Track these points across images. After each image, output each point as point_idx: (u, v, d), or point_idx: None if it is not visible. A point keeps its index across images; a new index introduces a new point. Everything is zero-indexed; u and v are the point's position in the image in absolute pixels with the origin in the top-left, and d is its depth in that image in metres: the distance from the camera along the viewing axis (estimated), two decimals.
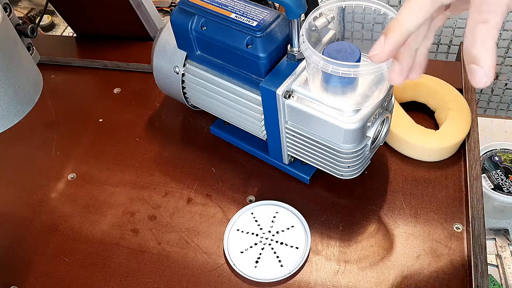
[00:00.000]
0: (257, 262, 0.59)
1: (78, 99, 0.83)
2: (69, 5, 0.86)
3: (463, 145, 0.67)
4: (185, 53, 0.64)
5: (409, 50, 0.40)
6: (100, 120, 0.78)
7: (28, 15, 1.35)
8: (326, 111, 0.53)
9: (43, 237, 0.65)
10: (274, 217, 0.62)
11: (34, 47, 0.62)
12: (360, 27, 1.19)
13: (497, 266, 0.79)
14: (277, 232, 0.61)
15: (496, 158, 0.84)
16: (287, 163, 0.66)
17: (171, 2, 1.19)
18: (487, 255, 0.58)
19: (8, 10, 0.56)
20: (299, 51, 0.56)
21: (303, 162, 0.65)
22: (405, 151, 0.67)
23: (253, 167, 0.69)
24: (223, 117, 0.68)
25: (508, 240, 0.81)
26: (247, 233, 0.61)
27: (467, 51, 0.35)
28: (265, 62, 0.56)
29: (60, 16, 0.94)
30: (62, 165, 0.73)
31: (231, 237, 0.61)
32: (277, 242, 0.60)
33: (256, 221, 0.62)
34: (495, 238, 0.82)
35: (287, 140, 0.61)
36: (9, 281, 0.61)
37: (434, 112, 0.71)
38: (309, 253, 0.59)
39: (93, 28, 0.91)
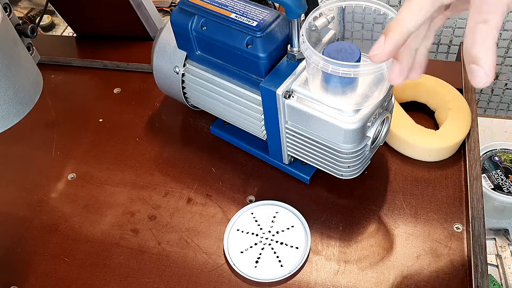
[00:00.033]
0: (257, 262, 0.59)
1: (78, 99, 0.83)
2: (69, 5, 0.86)
3: (463, 145, 0.67)
4: (185, 53, 0.64)
5: (409, 50, 0.40)
6: (100, 120, 0.78)
7: (28, 15, 1.35)
8: (326, 111, 0.53)
9: (43, 237, 0.65)
10: (274, 217, 0.62)
11: (34, 47, 0.62)
12: (360, 27, 1.19)
13: (497, 266, 0.79)
14: (277, 232, 0.61)
15: (496, 158, 0.84)
16: (287, 163, 0.66)
17: (171, 2, 1.19)
18: (487, 255, 0.58)
19: (8, 10, 0.56)
20: (299, 51, 0.56)
21: (303, 162, 0.65)
22: (405, 151, 0.67)
23: (253, 167, 0.69)
24: (223, 117, 0.68)
25: (508, 240, 0.81)
26: (247, 233, 0.61)
27: (467, 51, 0.35)
28: (265, 62, 0.56)
29: (60, 16, 0.94)
30: (62, 165, 0.73)
31: (231, 237, 0.61)
32: (277, 242, 0.60)
33: (256, 221, 0.62)
34: (495, 238, 0.82)
35: (287, 140, 0.61)
36: (9, 281, 0.61)
37: (434, 112, 0.71)
38: (309, 253, 0.59)
39: (93, 28, 0.91)
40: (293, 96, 0.55)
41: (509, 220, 0.84)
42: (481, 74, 0.34)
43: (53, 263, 0.62)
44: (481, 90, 1.29)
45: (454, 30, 1.16)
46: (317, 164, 0.61)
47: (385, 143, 0.68)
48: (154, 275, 0.60)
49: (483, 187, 0.69)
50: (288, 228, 0.61)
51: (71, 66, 0.88)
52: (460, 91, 0.70)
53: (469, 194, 0.61)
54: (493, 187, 0.80)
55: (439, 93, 0.69)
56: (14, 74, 0.51)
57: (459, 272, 0.57)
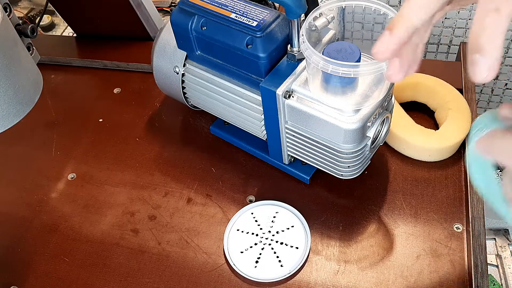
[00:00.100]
0: (257, 262, 0.59)
1: (78, 99, 0.83)
2: (69, 5, 0.86)
3: (463, 145, 0.67)
4: (185, 53, 0.64)
5: (411, 45, 0.39)
6: (100, 120, 0.78)
7: (28, 15, 1.35)
8: (326, 111, 0.53)
9: (43, 237, 0.65)
10: (274, 217, 0.62)
11: (34, 47, 0.62)
12: (360, 27, 1.19)
13: (497, 266, 0.79)
14: (277, 232, 0.61)
15: None
16: (287, 163, 0.66)
17: (171, 2, 1.19)
18: (487, 255, 0.58)
19: (8, 10, 0.56)
20: (299, 51, 0.56)
21: (303, 162, 0.65)
22: (405, 151, 0.67)
23: (253, 167, 0.69)
24: (223, 117, 0.68)
25: (508, 240, 0.81)
26: (247, 233, 0.61)
27: (473, 39, 0.32)
28: (265, 62, 0.56)
29: (60, 16, 0.94)
30: (62, 165, 0.73)
31: (231, 237, 0.61)
32: (277, 242, 0.60)
33: (256, 221, 0.62)
34: (495, 238, 0.82)
35: (287, 140, 0.61)
36: (9, 281, 0.61)
37: (434, 112, 0.71)
38: (309, 253, 0.59)
39: (93, 28, 0.91)
40: (293, 96, 0.55)
41: None
42: (484, 67, 0.31)
43: (53, 263, 0.62)
44: (481, 90, 1.29)
45: (454, 30, 1.16)
46: (317, 164, 0.61)
47: (385, 143, 0.68)
48: (154, 275, 0.60)
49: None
50: (288, 228, 0.61)
51: (71, 66, 0.88)
52: (460, 91, 0.70)
53: (469, 194, 0.61)
54: None
55: (439, 93, 0.69)
56: (14, 74, 0.51)
57: (459, 272, 0.57)
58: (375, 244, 0.60)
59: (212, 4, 0.58)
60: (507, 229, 0.83)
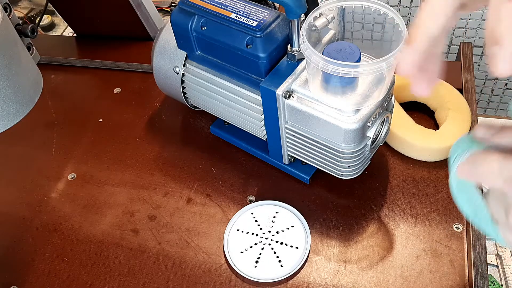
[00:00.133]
0: (257, 262, 0.59)
1: (78, 99, 0.83)
2: (69, 5, 0.86)
3: None
4: (185, 53, 0.64)
5: (431, 56, 0.37)
6: (100, 120, 0.78)
7: (28, 15, 1.35)
8: (326, 111, 0.53)
9: (43, 237, 0.65)
10: (274, 217, 0.62)
11: (34, 47, 0.62)
12: (360, 27, 1.19)
13: (497, 266, 0.79)
14: (277, 232, 0.61)
15: None
16: (287, 163, 0.66)
17: (171, 2, 1.19)
18: (487, 255, 0.58)
19: (8, 10, 0.56)
20: (299, 51, 0.56)
21: (303, 162, 0.65)
22: (405, 151, 0.67)
23: (253, 167, 0.69)
24: (223, 117, 0.68)
25: None
26: (247, 233, 0.61)
27: (490, 31, 0.30)
28: (265, 62, 0.56)
29: (60, 16, 0.94)
30: (62, 165, 0.73)
31: (231, 237, 0.61)
32: (277, 242, 0.60)
33: (256, 221, 0.62)
34: None
35: (287, 140, 0.61)
36: (9, 281, 0.61)
37: (434, 112, 0.71)
38: (309, 253, 0.59)
39: (93, 28, 0.91)
40: (293, 96, 0.55)
41: None
42: (505, 59, 0.29)
43: (53, 263, 0.62)
44: (481, 90, 1.29)
45: (454, 30, 1.16)
46: (317, 164, 0.61)
47: (385, 143, 0.68)
48: (154, 275, 0.60)
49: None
50: (288, 228, 0.61)
51: (71, 66, 0.88)
52: (460, 91, 0.70)
53: None
54: None
55: (439, 93, 0.69)
56: (14, 74, 0.51)
57: (459, 272, 0.57)
58: (375, 244, 0.60)
59: (212, 4, 0.58)
60: None
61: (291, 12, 0.51)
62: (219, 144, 0.72)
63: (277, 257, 0.59)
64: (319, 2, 0.56)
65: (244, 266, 0.59)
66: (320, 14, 0.52)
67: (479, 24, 1.19)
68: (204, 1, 0.59)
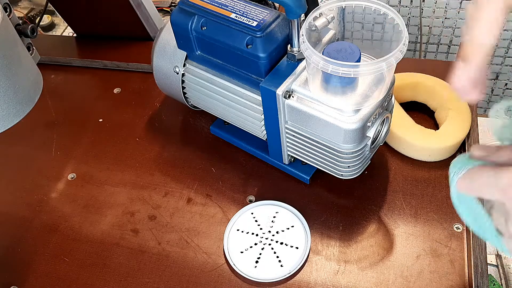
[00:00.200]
0: (257, 262, 0.59)
1: (78, 99, 0.83)
2: (69, 5, 0.86)
3: (463, 145, 0.67)
4: (185, 53, 0.64)
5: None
6: (100, 120, 0.78)
7: (28, 15, 1.35)
8: (326, 111, 0.53)
9: (43, 237, 0.65)
10: (274, 217, 0.62)
11: (34, 47, 0.62)
12: (360, 27, 1.19)
13: (497, 266, 0.79)
14: (277, 232, 0.61)
15: None
16: (287, 163, 0.66)
17: (171, 2, 1.19)
18: (487, 255, 0.58)
19: (8, 10, 0.56)
20: (299, 51, 0.56)
21: (303, 162, 0.65)
22: (405, 151, 0.67)
23: (253, 167, 0.69)
24: (223, 117, 0.68)
25: None
26: (247, 233, 0.61)
27: None
28: (265, 62, 0.56)
29: (60, 16, 0.94)
30: (62, 165, 0.73)
31: (231, 237, 0.61)
32: (277, 242, 0.60)
33: (256, 221, 0.62)
34: None
35: (287, 140, 0.61)
36: (9, 281, 0.61)
37: (434, 112, 0.71)
38: (309, 253, 0.59)
39: (93, 28, 0.91)
40: (293, 96, 0.55)
41: None
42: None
43: (53, 263, 0.62)
44: None
45: (454, 30, 1.16)
46: (317, 164, 0.61)
47: (385, 143, 0.68)
48: (154, 275, 0.60)
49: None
50: (288, 228, 0.61)
51: (71, 66, 0.88)
52: None
53: None
54: None
55: (439, 93, 0.69)
56: (14, 74, 0.51)
57: (459, 272, 0.57)
58: (375, 244, 0.60)
59: (212, 4, 0.58)
60: None
61: (291, 12, 0.51)
62: (219, 144, 0.72)
63: (277, 257, 0.59)
64: (319, 2, 0.56)
65: (244, 266, 0.59)
66: (320, 14, 0.52)
67: None
68: (204, 1, 0.59)
